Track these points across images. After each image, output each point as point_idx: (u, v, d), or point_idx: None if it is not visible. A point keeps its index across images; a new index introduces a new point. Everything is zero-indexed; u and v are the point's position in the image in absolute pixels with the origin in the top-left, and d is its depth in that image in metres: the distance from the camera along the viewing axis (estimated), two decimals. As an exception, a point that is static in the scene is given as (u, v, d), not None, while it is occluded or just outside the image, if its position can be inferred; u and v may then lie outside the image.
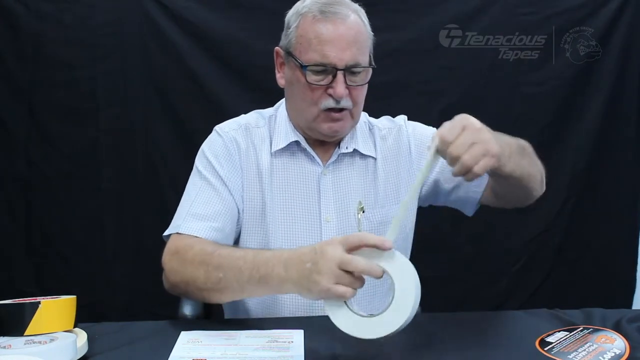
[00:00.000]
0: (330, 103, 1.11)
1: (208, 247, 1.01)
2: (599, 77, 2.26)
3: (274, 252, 0.94)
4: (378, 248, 0.82)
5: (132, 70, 2.10)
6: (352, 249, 0.83)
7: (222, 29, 2.09)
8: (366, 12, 1.17)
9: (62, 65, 2.08)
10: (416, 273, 0.83)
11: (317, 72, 1.09)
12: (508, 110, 2.26)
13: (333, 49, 1.07)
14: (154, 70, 2.10)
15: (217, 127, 1.23)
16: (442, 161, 1.21)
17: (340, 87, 1.08)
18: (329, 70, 1.08)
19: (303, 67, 1.09)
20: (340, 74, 1.08)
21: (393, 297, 0.81)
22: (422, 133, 1.27)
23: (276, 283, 0.89)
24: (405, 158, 1.24)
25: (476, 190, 1.23)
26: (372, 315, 0.83)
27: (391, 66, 2.11)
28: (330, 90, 1.10)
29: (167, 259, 1.05)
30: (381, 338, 0.82)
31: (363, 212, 1.17)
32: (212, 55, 2.11)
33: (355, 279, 0.82)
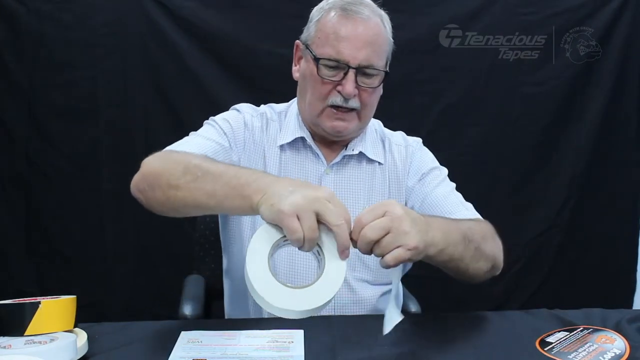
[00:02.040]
0: (337, 100, 1.11)
1: (195, 156, 0.99)
2: (599, 77, 2.26)
3: (266, 173, 0.92)
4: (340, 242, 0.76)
5: (132, 70, 2.10)
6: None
7: (222, 29, 2.09)
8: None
9: (62, 65, 2.08)
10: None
11: (329, 67, 1.10)
12: (508, 110, 2.26)
13: (348, 46, 1.08)
14: (154, 70, 2.11)
15: (235, 105, 1.23)
16: (420, 191, 1.20)
17: (349, 85, 1.08)
18: (341, 66, 1.09)
19: (316, 60, 1.10)
20: (351, 72, 1.08)
21: (321, 275, 0.76)
22: (424, 162, 1.24)
23: (251, 192, 0.82)
24: (402, 178, 1.22)
25: None
26: (291, 286, 0.75)
27: (391, 66, 2.10)
28: (339, 87, 1.10)
29: (150, 157, 1.01)
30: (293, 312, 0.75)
31: None
32: (212, 55, 2.10)
33: (314, 233, 0.75)
